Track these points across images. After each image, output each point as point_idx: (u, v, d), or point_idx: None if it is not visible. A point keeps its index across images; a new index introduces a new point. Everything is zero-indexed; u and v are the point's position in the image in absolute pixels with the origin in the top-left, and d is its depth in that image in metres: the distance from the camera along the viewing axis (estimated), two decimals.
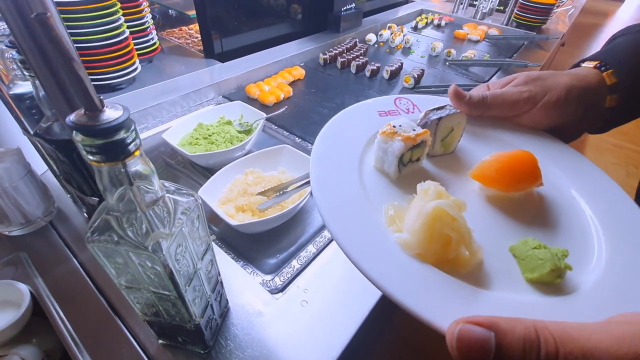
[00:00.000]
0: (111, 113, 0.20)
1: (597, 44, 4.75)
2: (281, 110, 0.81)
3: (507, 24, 1.62)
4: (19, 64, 0.29)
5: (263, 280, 0.48)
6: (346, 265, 0.49)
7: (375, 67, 1.08)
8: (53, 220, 0.52)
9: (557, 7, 2.09)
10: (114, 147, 0.20)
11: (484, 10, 1.71)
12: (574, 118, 0.41)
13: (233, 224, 0.50)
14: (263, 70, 1.05)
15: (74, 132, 0.19)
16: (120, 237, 0.24)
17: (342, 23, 1.33)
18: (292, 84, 1.01)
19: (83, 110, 0.19)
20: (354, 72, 1.12)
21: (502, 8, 1.79)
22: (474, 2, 1.78)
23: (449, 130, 0.39)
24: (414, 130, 0.35)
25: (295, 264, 0.50)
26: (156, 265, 0.25)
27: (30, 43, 0.23)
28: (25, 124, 0.38)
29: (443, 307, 0.24)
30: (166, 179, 0.69)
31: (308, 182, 0.54)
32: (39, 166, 0.52)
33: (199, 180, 0.68)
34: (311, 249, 0.53)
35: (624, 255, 0.29)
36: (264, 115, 0.74)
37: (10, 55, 0.31)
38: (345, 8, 1.34)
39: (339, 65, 1.14)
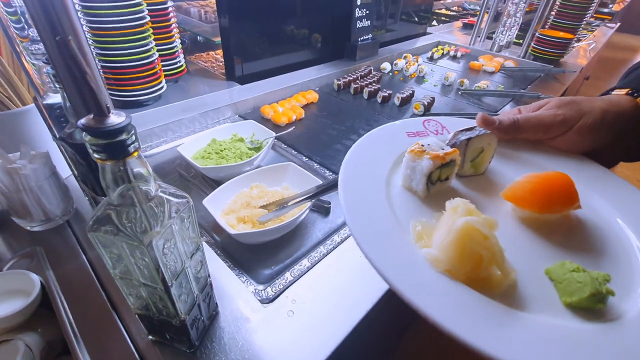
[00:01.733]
0: (115, 119, 0.23)
1: None
2: (289, 130, 0.85)
3: (524, 57, 1.64)
4: (51, 77, 0.34)
5: (255, 289, 0.49)
6: (337, 280, 0.50)
7: (387, 94, 1.12)
8: (70, 219, 0.56)
9: (578, 41, 2.10)
10: (116, 147, 0.24)
11: (500, 43, 1.74)
12: (609, 143, 0.41)
13: (232, 233, 0.53)
14: (279, 92, 1.10)
15: (84, 133, 0.23)
16: (118, 229, 0.27)
17: (358, 52, 1.40)
18: (305, 106, 1.06)
19: (92, 115, 0.23)
20: (366, 97, 1.16)
21: (520, 41, 1.81)
22: (491, 35, 1.82)
23: (479, 151, 0.39)
24: (443, 149, 0.36)
25: (288, 276, 0.52)
26: (145, 256, 0.27)
27: (59, 60, 0.27)
28: (54, 130, 0.43)
29: (476, 325, 0.23)
30: (178, 188, 0.73)
31: (308, 198, 0.57)
32: (64, 170, 0.57)
33: (208, 192, 0.71)
34: (305, 262, 0.54)
35: None
36: (274, 134, 0.78)
37: (46, 71, 0.36)
38: (362, 38, 1.41)
39: (352, 91, 1.18)
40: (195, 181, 0.74)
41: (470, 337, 0.22)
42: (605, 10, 3.62)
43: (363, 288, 0.48)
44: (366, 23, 1.39)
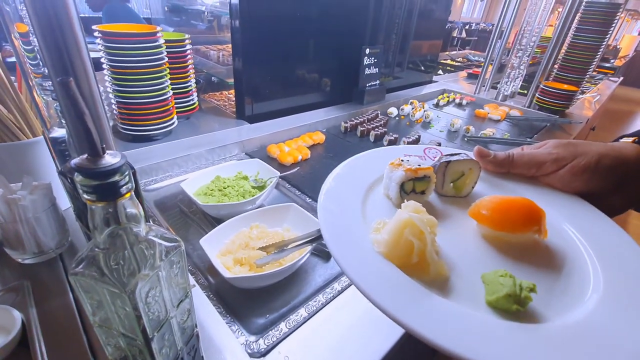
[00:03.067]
0: (110, 159, 0.23)
1: (630, 129, 4.67)
2: (294, 170, 0.85)
3: (529, 107, 1.67)
4: (58, 113, 0.34)
5: (247, 340, 0.46)
6: (334, 336, 0.46)
7: (393, 138, 1.13)
8: (64, 252, 0.55)
9: (582, 93, 2.14)
10: (108, 188, 0.23)
11: (505, 93, 1.78)
12: (607, 187, 0.41)
13: (226, 276, 0.50)
14: (286, 132, 1.12)
15: (75, 173, 0.22)
16: (102, 272, 0.26)
17: (366, 97, 1.44)
18: (311, 147, 1.07)
19: (86, 155, 0.22)
20: (372, 140, 1.17)
21: (524, 92, 1.86)
22: (496, 85, 1.87)
23: (459, 174, 0.43)
24: (420, 165, 0.40)
25: (283, 327, 0.48)
26: (126, 305, 0.25)
27: (65, 98, 0.28)
28: (57, 163, 0.43)
29: (394, 295, 0.27)
30: (177, 225, 0.72)
31: (310, 241, 0.55)
32: (65, 202, 0.57)
33: (207, 230, 0.70)
34: (302, 312, 0.51)
35: (607, 315, 0.28)
36: (278, 173, 0.78)
37: (55, 107, 0.37)
38: (370, 84, 1.46)
39: (358, 133, 1.20)
40: (196, 218, 0.73)
41: (381, 301, 0.26)
42: (607, 65, 3.75)
43: (361, 347, 0.45)
44: (374, 70, 1.45)
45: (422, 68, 1.95)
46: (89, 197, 0.23)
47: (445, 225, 0.38)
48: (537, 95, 1.66)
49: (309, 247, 0.57)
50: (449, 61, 3.05)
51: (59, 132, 0.39)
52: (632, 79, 6.95)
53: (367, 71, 1.42)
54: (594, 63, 1.63)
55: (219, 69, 1.37)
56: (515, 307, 0.28)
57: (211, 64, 1.41)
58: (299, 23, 1.18)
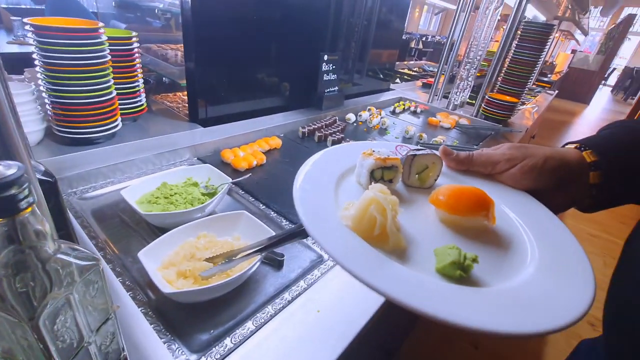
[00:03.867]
0: (3, 170, 0.20)
1: (567, 138, 5.19)
2: (247, 176, 0.83)
3: (476, 116, 1.78)
4: None
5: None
6: (282, 349, 0.45)
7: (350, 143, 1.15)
8: None
9: (523, 104, 2.33)
10: (3, 203, 0.20)
11: (455, 102, 1.89)
12: (551, 186, 0.47)
13: (165, 291, 0.47)
14: (242, 137, 1.10)
15: None
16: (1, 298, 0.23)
17: (324, 102, 1.45)
18: (267, 152, 1.05)
19: None
20: (330, 146, 1.17)
21: (472, 102, 1.98)
22: (447, 94, 1.98)
23: (424, 167, 0.48)
24: (388, 155, 0.45)
25: (228, 342, 0.46)
26: (27, 336, 0.22)
27: None
28: None
29: (356, 259, 0.32)
30: (117, 237, 0.67)
31: (260, 250, 0.53)
32: None
33: (151, 241, 0.65)
34: (249, 325, 0.49)
35: (538, 284, 0.33)
36: (230, 179, 0.76)
37: None
38: (328, 90, 1.47)
39: (316, 139, 1.20)
40: (139, 228, 0.68)
41: (346, 264, 0.30)
42: (545, 79, 4.13)
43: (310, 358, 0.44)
44: (333, 77, 1.46)
45: (380, 76, 2.01)
46: None
47: (407, 210, 0.43)
48: (483, 105, 1.78)
49: (258, 257, 0.55)
50: (406, 70, 3.18)
51: None
52: (566, 92, 7.72)
53: (325, 77, 1.43)
54: (532, 77, 1.78)
55: (172, 69, 1.31)
56: (458, 273, 0.32)
57: (163, 64, 1.34)
58: (256, 24, 1.16)
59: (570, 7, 2.67)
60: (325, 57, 1.39)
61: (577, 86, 7.82)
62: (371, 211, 0.35)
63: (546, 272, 0.35)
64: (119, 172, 0.83)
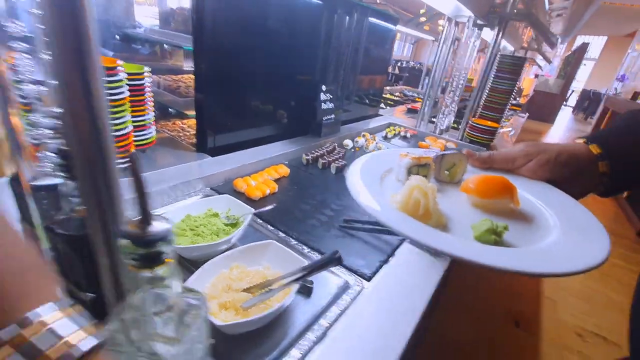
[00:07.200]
0: (158, 225, 0.23)
1: None
2: (270, 207, 0.86)
3: (461, 140, 1.89)
4: (55, 165, 0.32)
5: None
6: None
7: None
8: None
9: (501, 127, 2.50)
10: (153, 256, 0.23)
11: (441, 127, 2.00)
12: (565, 177, 0.54)
13: (217, 324, 0.49)
14: (251, 166, 1.13)
15: (124, 240, 0.22)
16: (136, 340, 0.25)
17: (323, 129, 1.51)
18: (277, 180, 1.09)
19: (133, 221, 0.22)
20: (334, 172, 1.23)
21: (456, 126, 2.12)
22: (433, 119, 2.10)
23: (452, 164, 0.58)
24: (421, 155, 0.55)
25: None
26: None
27: (85, 171, 0.27)
28: (31, 214, 0.39)
29: (408, 226, 0.42)
30: None
31: (296, 280, 0.56)
32: None
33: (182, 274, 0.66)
34: (295, 354, 0.51)
35: (560, 246, 0.42)
36: (252, 210, 0.78)
37: (44, 155, 0.35)
38: (326, 117, 1.54)
39: (320, 165, 1.25)
40: None
41: (401, 229, 0.41)
42: (514, 102, 4.43)
43: None
44: (330, 105, 1.54)
45: (369, 102, 2.11)
46: (134, 264, 0.23)
47: (442, 198, 0.50)
48: (467, 130, 1.90)
49: (296, 285, 0.58)
50: (389, 95, 3.33)
51: (43, 182, 0.36)
52: (533, 114, 8.27)
53: (323, 106, 1.50)
54: (509, 104, 1.94)
55: (174, 98, 1.34)
56: (493, 238, 0.41)
57: (170, 96, 1.37)
58: (261, 56, 1.22)
59: (535, 38, 2.93)
60: (324, 88, 1.47)
61: (542, 108, 8.40)
62: (415, 195, 0.45)
63: (567, 236, 0.43)
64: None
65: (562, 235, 0.43)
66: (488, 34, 1.78)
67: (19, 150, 0.39)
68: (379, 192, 0.51)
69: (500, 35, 1.65)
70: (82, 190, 0.28)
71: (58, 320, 0.15)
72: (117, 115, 0.85)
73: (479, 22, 1.68)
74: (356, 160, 0.59)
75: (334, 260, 0.60)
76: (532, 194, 0.54)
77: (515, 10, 1.60)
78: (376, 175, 0.56)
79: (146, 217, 0.22)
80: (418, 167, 0.55)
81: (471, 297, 2.17)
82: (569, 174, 0.54)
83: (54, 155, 0.33)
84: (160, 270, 0.24)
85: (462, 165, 0.58)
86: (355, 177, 0.53)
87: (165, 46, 1.41)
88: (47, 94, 0.38)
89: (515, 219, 0.48)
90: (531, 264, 0.37)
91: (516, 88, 1.89)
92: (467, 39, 1.76)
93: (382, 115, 2.24)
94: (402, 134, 1.89)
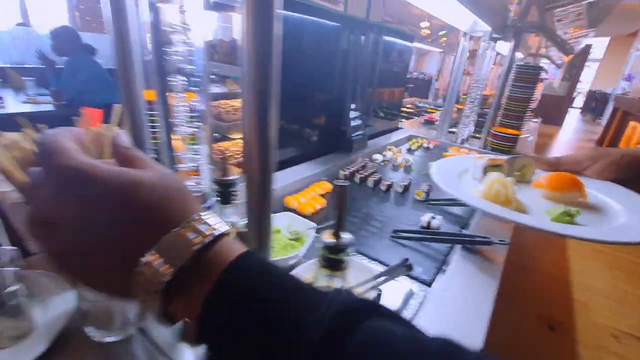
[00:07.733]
0: (345, 237, 0.29)
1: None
2: (332, 222, 0.91)
3: (483, 148, 1.95)
4: (212, 191, 0.39)
5: None
6: None
7: (389, 182, 1.26)
8: (143, 325, 0.54)
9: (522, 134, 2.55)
10: (338, 261, 0.29)
11: (462, 137, 2.06)
12: (629, 177, 0.59)
13: None
14: (294, 185, 1.20)
15: (324, 248, 0.28)
16: None
17: (354, 145, 1.58)
18: (322, 196, 1.15)
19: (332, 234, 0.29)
20: (372, 186, 1.29)
21: (477, 135, 2.17)
22: (453, 130, 2.16)
23: (522, 165, 0.65)
24: (495, 157, 0.65)
25: None
26: None
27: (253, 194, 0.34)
28: None
29: (492, 208, 0.50)
30: None
31: (373, 287, 0.62)
32: None
33: None
34: None
35: (627, 225, 0.49)
36: (315, 225, 0.84)
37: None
38: (355, 134, 1.61)
39: (357, 180, 1.31)
40: None
41: (486, 208, 0.50)
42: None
43: None
44: (358, 122, 1.61)
45: (390, 116, 2.18)
46: (326, 268, 0.29)
47: (517, 192, 0.56)
48: (488, 138, 1.95)
49: (372, 293, 0.63)
50: (403, 108, 3.42)
51: None
52: (542, 117, 8.30)
53: (352, 123, 1.58)
54: (527, 111, 1.99)
55: (221, 124, 1.43)
56: (567, 219, 0.47)
57: (215, 121, 1.47)
58: (302, 81, 1.31)
59: (545, 46, 3.00)
60: (353, 106, 1.54)
61: (550, 110, 8.42)
62: (496, 186, 0.53)
63: (634, 220, 0.49)
64: None
65: (631, 219, 0.49)
66: (501, 46, 1.86)
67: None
68: (461, 188, 0.60)
69: (515, 47, 1.73)
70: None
71: (209, 217, 0.23)
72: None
73: (494, 35, 1.76)
74: (433, 164, 0.67)
75: (406, 267, 0.65)
76: (598, 191, 0.59)
77: (528, 23, 1.68)
78: (453, 174, 0.64)
79: (339, 230, 0.28)
80: (492, 168, 0.62)
81: (503, 305, 2.18)
82: (634, 175, 0.59)
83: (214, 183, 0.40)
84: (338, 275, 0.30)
85: (531, 167, 0.65)
86: (438, 177, 0.60)
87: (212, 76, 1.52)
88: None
89: (584, 208, 0.54)
90: (608, 233, 0.44)
91: (534, 97, 1.95)
92: (483, 51, 1.84)
93: (402, 128, 2.30)
94: (425, 145, 1.96)
